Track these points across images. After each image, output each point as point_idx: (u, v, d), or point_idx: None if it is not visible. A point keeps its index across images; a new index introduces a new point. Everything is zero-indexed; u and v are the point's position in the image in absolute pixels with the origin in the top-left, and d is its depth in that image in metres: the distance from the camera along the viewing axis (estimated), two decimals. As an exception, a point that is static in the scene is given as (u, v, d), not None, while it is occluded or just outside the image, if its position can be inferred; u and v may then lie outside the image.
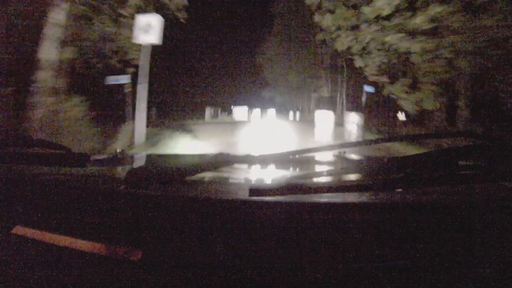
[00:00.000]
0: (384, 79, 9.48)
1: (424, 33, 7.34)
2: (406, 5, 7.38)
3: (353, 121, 8.44)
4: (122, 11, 6.45)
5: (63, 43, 4.64)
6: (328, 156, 1.13)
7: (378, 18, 7.95)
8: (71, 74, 5.36)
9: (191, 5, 7.84)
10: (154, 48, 6.23)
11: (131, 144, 5.87)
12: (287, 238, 0.45)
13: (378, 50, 8.83)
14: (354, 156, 1.11)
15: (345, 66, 16.38)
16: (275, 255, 0.43)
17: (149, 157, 1.31)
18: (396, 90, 9.28)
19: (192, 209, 0.51)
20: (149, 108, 7.12)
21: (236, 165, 0.92)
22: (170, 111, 17.25)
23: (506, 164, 0.50)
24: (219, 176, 0.80)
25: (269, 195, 0.49)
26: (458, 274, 0.40)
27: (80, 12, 5.66)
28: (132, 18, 6.16)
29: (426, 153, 0.50)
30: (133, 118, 6.32)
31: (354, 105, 15.10)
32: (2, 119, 4.07)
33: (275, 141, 8.37)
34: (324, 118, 8.67)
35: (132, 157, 1.11)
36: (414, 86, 8.96)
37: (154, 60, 6.82)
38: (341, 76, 18.07)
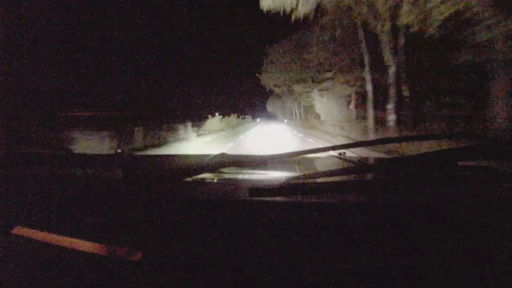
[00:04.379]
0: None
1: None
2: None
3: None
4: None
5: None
6: (328, 156, 1.13)
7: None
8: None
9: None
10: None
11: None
12: (287, 238, 0.45)
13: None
14: (354, 157, 1.11)
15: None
16: (275, 255, 0.43)
17: (149, 158, 1.31)
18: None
19: (192, 209, 0.51)
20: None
21: (236, 166, 0.92)
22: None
23: (506, 164, 0.50)
24: (220, 176, 0.80)
25: (269, 195, 0.49)
26: (458, 274, 0.40)
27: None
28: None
29: (426, 153, 0.50)
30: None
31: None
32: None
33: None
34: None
35: (132, 157, 1.11)
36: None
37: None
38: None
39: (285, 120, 47.54)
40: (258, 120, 72.83)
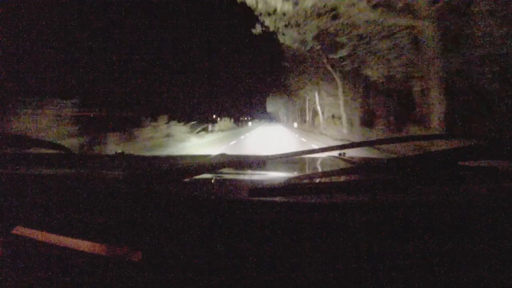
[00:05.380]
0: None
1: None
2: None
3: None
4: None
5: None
6: (328, 156, 1.13)
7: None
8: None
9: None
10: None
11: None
12: (287, 238, 0.45)
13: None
14: (354, 157, 1.11)
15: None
16: (275, 255, 0.43)
17: (149, 158, 1.30)
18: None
19: (192, 209, 0.51)
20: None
21: (236, 166, 0.92)
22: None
23: (506, 164, 0.50)
24: (220, 177, 0.80)
25: (269, 195, 0.49)
26: (458, 274, 0.40)
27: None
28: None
29: (426, 153, 0.50)
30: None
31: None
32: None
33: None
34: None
35: (132, 157, 1.11)
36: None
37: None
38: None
39: (295, 124, 33.77)
40: (250, 124, 51.68)
